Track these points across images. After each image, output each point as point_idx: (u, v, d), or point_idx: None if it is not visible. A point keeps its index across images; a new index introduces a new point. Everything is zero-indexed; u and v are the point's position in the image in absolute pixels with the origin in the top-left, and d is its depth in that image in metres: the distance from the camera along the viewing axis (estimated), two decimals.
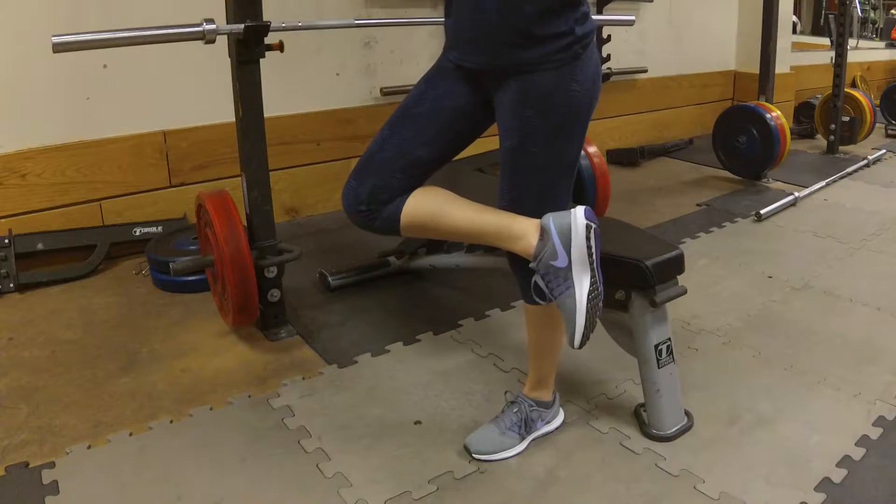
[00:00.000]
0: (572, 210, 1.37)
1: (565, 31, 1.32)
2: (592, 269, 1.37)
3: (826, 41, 6.75)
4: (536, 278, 1.39)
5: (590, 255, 1.37)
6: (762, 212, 3.22)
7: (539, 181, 1.41)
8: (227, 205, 1.95)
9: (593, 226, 1.37)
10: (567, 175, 1.45)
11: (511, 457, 1.56)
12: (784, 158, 3.72)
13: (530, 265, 1.39)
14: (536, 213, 1.41)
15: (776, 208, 3.31)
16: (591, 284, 1.37)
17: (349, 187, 1.50)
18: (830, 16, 6.74)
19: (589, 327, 1.37)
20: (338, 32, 3.14)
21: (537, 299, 1.43)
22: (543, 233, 1.37)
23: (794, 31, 7.19)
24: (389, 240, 2.68)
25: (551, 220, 1.37)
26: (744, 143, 3.75)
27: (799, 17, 7.57)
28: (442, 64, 1.49)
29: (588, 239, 1.36)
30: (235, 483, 1.49)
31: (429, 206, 1.45)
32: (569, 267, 1.36)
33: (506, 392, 1.68)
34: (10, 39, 2.42)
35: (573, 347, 1.38)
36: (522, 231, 1.39)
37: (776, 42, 4.01)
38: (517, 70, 1.34)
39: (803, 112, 5.17)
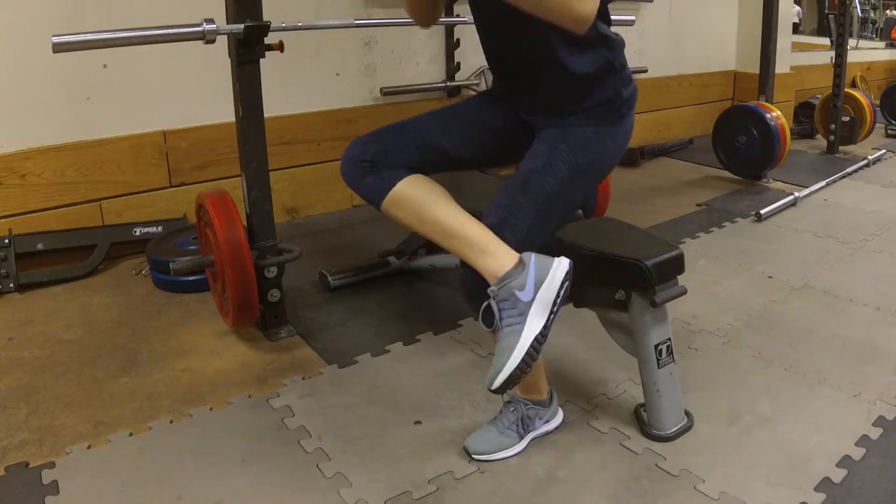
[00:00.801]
0: (557, 259, 1.36)
1: (612, 97, 1.44)
2: (548, 320, 1.34)
3: (826, 41, 6.76)
4: (491, 302, 1.34)
5: (554, 304, 1.34)
6: (762, 212, 3.22)
7: (539, 209, 1.40)
8: (227, 205, 1.95)
9: (568, 282, 1.36)
10: (563, 214, 1.47)
11: (511, 456, 1.56)
12: (784, 158, 3.72)
13: (490, 289, 1.34)
14: (524, 238, 1.40)
15: (776, 208, 3.31)
16: (542, 332, 1.33)
17: (360, 140, 1.48)
18: (830, 16, 6.74)
19: (517, 373, 1.30)
20: (338, 32, 3.14)
21: (483, 325, 1.38)
22: (521, 264, 1.34)
23: (797, 31, 7.20)
24: (389, 240, 2.68)
25: (533, 257, 1.35)
26: (744, 143, 3.75)
27: (800, 18, 7.57)
28: (497, 94, 1.57)
29: (560, 289, 1.34)
30: (235, 483, 1.49)
31: (425, 191, 1.43)
32: (530, 303, 1.32)
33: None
34: (11, 39, 2.42)
35: (488, 388, 1.32)
36: (501, 253, 1.35)
37: (776, 42, 4.01)
38: (566, 124, 1.45)
39: (803, 112, 5.17)
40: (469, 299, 1.45)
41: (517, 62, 1.46)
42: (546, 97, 1.47)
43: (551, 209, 1.42)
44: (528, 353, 1.31)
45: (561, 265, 1.36)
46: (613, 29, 1.47)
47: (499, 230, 1.39)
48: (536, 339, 1.32)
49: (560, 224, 1.49)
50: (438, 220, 1.40)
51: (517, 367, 1.31)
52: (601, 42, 1.42)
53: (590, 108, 1.44)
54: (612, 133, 1.46)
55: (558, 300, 1.35)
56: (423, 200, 1.42)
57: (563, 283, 1.35)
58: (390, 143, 1.46)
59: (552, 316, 1.34)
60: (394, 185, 1.42)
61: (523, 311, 1.32)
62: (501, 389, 1.32)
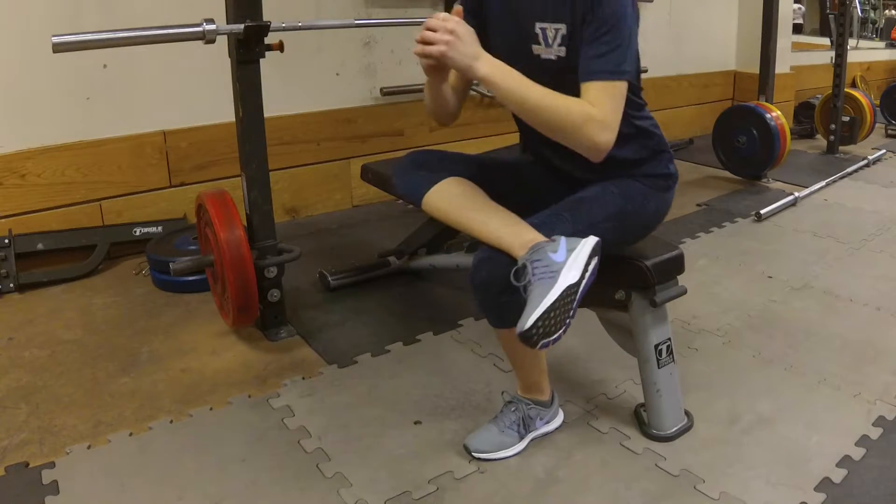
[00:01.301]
0: (587, 237, 1.37)
1: (660, 172, 1.54)
2: (581, 277, 1.30)
3: (826, 41, 6.76)
4: (525, 261, 1.31)
5: (585, 269, 1.31)
6: (762, 212, 3.22)
7: (580, 229, 1.40)
8: (227, 205, 1.95)
9: (597, 256, 1.35)
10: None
11: (511, 456, 1.56)
12: (784, 158, 3.72)
13: (522, 256, 1.32)
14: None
15: (776, 208, 3.31)
16: (576, 283, 1.29)
17: (421, 150, 1.60)
18: (831, 16, 6.74)
19: (551, 316, 1.25)
20: (338, 32, 3.14)
21: (515, 282, 1.32)
22: (552, 240, 1.35)
23: (800, 31, 7.20)
24: (389, 240, 2.68)
25: (563, 236, 1.35)
26: (744, 143, 3.75)
27: (802, 18, 7.57)
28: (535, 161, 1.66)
29: (590, 257, 1.33)
30: (235, 483, 1.49)
31: (468, 187, 1.48)
32: (563, 263, 1.30)
33: (503, 392, 1.68)
34: (11, 39, 2.42)
35: (519, 331, 1.26)
36: (531, 232, 1.35)
37: (776, 42, 4.01)
38: (616, 178, 1.51)
39: (803, 112, 5.17)
40: (483, 284, 1.38)
41: (564, 153, 1.44)
42: (588, 173, 1.51)
43: (588, 235, 1.40)
44: (561, 296, 1.26)
45: (589, 238, 1.35)
46: None
47: (537, 229, 1.38)
48: (570, 288, 1.28)
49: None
50: (474, 208, 1.43)
51: (550, 308, 1.25)
52: (641, 134, 1.50)
53: (640, 176, 1.52)
54: (656, 197, 1.53)
55: (588, 268, 1.32)
56: (461, 195, 1.46)
57: (591, 255, 1.33)
58: (449, 158, 1.56)
59: (583, 281, 1.31)
60: (441, 180, 1.47)
61: (555, 271, 1.29)
62: (531, 333, 1.25)
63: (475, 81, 1.38)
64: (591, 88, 1.28)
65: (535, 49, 1.38)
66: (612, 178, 1.50)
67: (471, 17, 1.38)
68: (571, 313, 1.31)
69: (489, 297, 1.39)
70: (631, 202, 1.48)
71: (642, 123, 1.50)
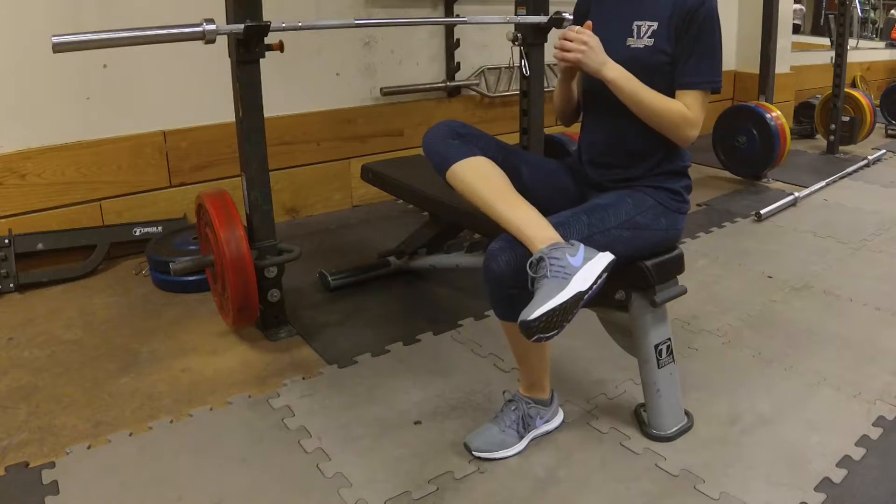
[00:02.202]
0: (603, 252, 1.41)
1: (679, 189, 1.62)
2: (590, 289, 1.34)
3: (826, 41, 6.76)
4: (543, 254, 1.34)
5: (595, 281, 1.35)
6: (762, 212, 3.22)
7: (594, 233, 1.46)
8: (227, 205, 1.95)
9: (608, 273, 1.38)
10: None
11: (511, 455, 1.56)
12: (784, 158, 3.72)
13: (540, 249, 1.34)
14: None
15: (776, 208, 3.31)
16: (584, 292, 1.33)
17: (460, 122, 1.62)
18: (830, 16, 6.74)
19: (556, 313, 1.29)
20: (338, 32, 3.14)
21: (530, 272, 1.35)
22: (571, 243, 1.38)
23: (800, 31, 7.19)
24: (389, 240, 2.68)
25: (583, 244, 1.39)
26: (744, 143, 3.75)
27: (802, 19, 7.57)
28: (572, 165, 1.74)
29: (602, 272, 1.36)
30: (235, 483, 1.49)
31: (498, 171, 1.52)
32: (578, 268, 1.34)
33: (503, 392, 1.68)
34: (11, 40, 2.43)
35: (522, 319, 1.28)
36: (551, 230, 1.40)
37: (776, 42, 4.01)
38: (634, 187, 1.60)
39: (803, 112, 5.17)
40: (496, 273, 1.39)
41: (612, 134, 1.62)
42: (620, 173, 1.61)
43: (601, 240, 1.46)
44: (571, 299, 1.31)
45: (606, 254, 1.40)
46: None
47: (554, 228, 1.42)
48: (579, 294, 1.32)
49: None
50: (503, 192, 1.47)
51: (559, 306, 1.29)
52: (678, 150, 1.63)
53: (658, 188, 1.59)
54: (668, 215, 1.58)
55: (598, 280, 1.36)
56: (493, 176, 1.50)
57: (606, 266, 1.37)
58: (486, 139, 1.60)
59: (589, 292, 1.35)
60: (474, 154, 1.52)
61: (570, 273, 1.33)
62: (534, 325, 1.28)
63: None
64: (689, 95, 1.52)
65: (629, 41, 1.56)
66: (633, 188, 1.59)
67: (580, 19, 1.67)
68: (570, 318, 1.34)
69: (501, 289, 1.41)
70: (642, 214, 1.54)
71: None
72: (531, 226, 1.40)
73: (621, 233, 1.50)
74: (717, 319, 2.23)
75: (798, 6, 7.58)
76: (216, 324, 2.17)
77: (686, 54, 1.52)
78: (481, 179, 1.49)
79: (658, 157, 1.60)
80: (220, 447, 1.60)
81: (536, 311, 1.28)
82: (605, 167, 1.64)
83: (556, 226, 1.42)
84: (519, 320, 1.30)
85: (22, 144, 2.51)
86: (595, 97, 1.63)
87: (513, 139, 2.34)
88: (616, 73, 1.50)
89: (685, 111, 1.52)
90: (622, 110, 1.54)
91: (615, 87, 1.51)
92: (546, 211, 1.47)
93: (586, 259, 1.36)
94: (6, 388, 1.84)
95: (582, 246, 1.38)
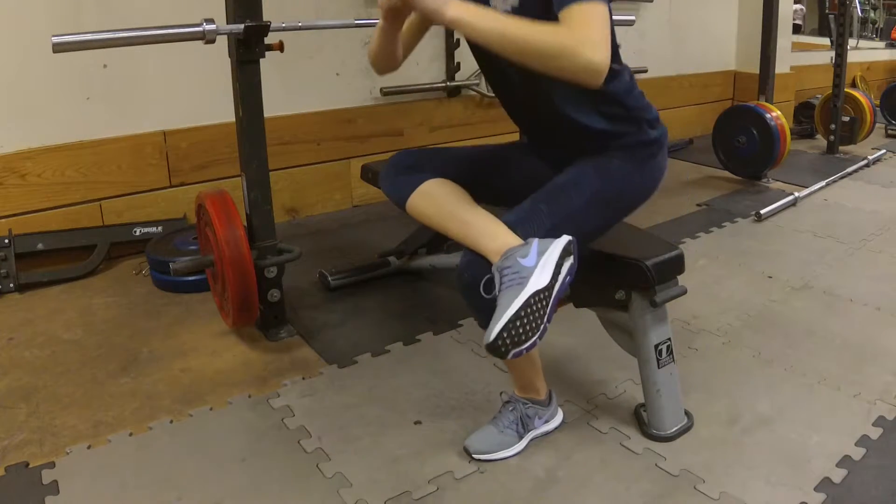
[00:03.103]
0: (560, 237, 1.36)
1: (641, 139, 1.47)
2: (552, 282, 1.29)
3: (826, 41, 6.76)
4: (494, 270, 1.31)
5: (556, 272, 1.30)
6: (762, 212, 3.22)
7: (556, 223, 1.39)
8: (227, 205, 1.95)
9: (571, 256, 1.34)
10: (579, 237, 1.42)
11: (510, 456, 1.56)
12: (784, 158, 3.72)
13: (495, 264, 1.32)
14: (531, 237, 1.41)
15: (776, 208, 3.31)
16: (545, 288, 1.27)
17: (408, 150, 1.60)
18: (830, 16, 6.74)
19: (517, 325, 1.23)
20: (338, 32, 3.14)
21: (484, 294, 1.34)
22: (525, 243, 1.34)
23: (800, 32, 7.19)
24: (389, 240, 2.68)
25: (536, 239, 1.34)
26: (744, 143, 3.75)
27: (802, 19, 7.57)
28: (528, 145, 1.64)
29: (562, 258, 1.31)
30: (235, 483, 1.49)
31: (449, 189, 1.48)
32: (532, 268, 1.28)
33: (501, 392, 1.68)
34: (11, 39, 2.43)
35: (485, 344, 1.25)
36: (506, 236, 1.35)
37: (776, 42, 4.01)
38: (598, 157, 1.48)
39: (803, 112, 5.17)
40: (469, 287, 1.37)
41: (538, 123, 1.55)
42: (572, 149, 1.50)
43: (567, 227, 1.39)
44: (527, 303, 1.24)
45: (560, 238, 1.34)
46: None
47: (513, 228, 1.38)
48: (538, 294, 1.25)
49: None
50: (454, 211, 1.43)
51: (514, 317, 1.22)
52: (612, 99, 1.43)
53: (618, 149, 1.47)
54: (643, 172, 1.49)
55: (560, 269, 1.30)
56: (444, 197, 1.46)
57: (563, 254, 1.32)
58: (434, 158, 1.54)
59: (556, 283, 1.29)
60: (423, 182, 1.47)
61: (524, 277, 1.27)
62: (497, 345, 1.23)
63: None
64: (572, 12, 1.19)
65: (493, 2, 1.36)
66: (594, 154, 1.47)
67: None
68: (546, 318, 1.28)
69: (475, 299, 1.37)
70: (609, 183, 1.44)
71: (614, 88, 1.41)
72: (485, 240, 1.35)
73: (589, 211, 1.42)
74: (717, 319, 2.23)
75: (798, 6, 7.58)
76: (216, 324, 2.17)
77: None
78: (434, 204, 1.46)
79: (611, 120, 1.44)
80: (219, 447, 1.60)
81: (495, 328, 1.22)
82: (554, 148, 1.54)
83: (515, 225, 1.37)
84: (483, 344, 1.26)
85: (22, 144, 2.51)
86: (499, 77, 1.48)
87: (512, 139, 2.34)
88: (460, 10, 1.19)
89: (576, 31, 1.17)
90: (540, 88, 1.37)
91: (465, 28, 1.21)
92: (521, 198, 1.46)
93: (540, 253, 1.30)
94: (6, 388, 1.84)
95: (535, 241, 1.31)
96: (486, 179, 1.58)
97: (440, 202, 1.46)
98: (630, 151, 1.47)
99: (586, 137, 1.46)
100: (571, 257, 1.35)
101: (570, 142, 1.50)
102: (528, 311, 1.25)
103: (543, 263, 1.29)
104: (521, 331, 1.24)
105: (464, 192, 1.48)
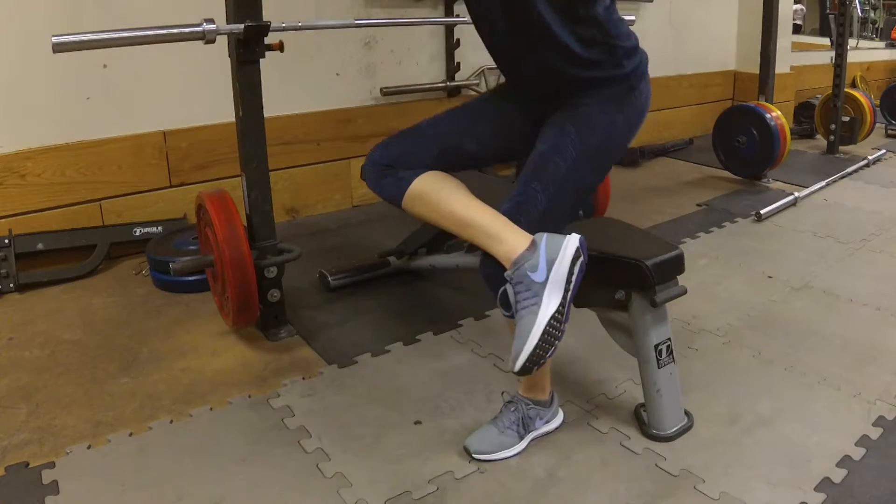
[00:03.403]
0: (568, 235, 1.37)
1: (616, 74, 1.44)
2: (565, 297, 1.34)
3: (826, 41, 6.76)
4: (507, 287, 1.38)
5: (568, 280, 1.35)
6: (762, 212, 3.22)
7: (552, 194, 1.42)
8: (227, 205, 1.95)
9: (581, 257, 1.37)
10: (578, 198, 1.46)
11: (511, 456, 1.56)
12: (784, 158, 3.72)
13: (506, 273, 1.37)
14: (537, 224, 1.42)
15: (776, 208, 3.30)
16: (558, 310, 1.33)
17: (383, 143, 1.53)
18: (831, 16, 6.74)
19: (537, 353, 1.31)
20: (338, 32, 3.14)
21: (503, 311, 1.42)
22: (533, 244, 1.37)
23: (800, 32, 7.18)
24: (389, 240, 2.68)
25: (545, 237, 1.37)
26: (744, 143, 3.75)
27: (802, 19, 7.57)
28: (508, 89, 1.58)
29: (573, 265, 1.35)
30: (235, 483, 1.49)
31: (441, 185, 1.47)
32: (544, 283, 1.33)
33: (502, 392, 1.68)
34: (11, 39, 2.42)
35: (512, 370, 1.33)
36: (513, 237, 1.38)
37: (776, 42, 4.00)
38: (574, 104, 1.45)
39: (803, 112, 5.17)
40: (489, 284, 1.46)
41: (516, 52, 1.47)
42: (548, 87, 1.48)
43: (565, 192, 1.42)
44: (545, 331, 1.31)
45: (570, 242, 1.36)
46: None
47: (514, 216, 1.42)
48: (553, 318, 1.32)
49: (578, 206, 1.49)
50: (453, 211, 1.44)
51: (536, 346, 1.31)
52: (591, 21, 1.40)
53: (595, 89, 1.44)
54: (623, 109, 1.46)
55: (572, 277, 1.35)
56: (438, 194, 1.46)
57: (574, 260, 1.35)
58: (410, 147, 1.52)
59: (568, 294, 1.35)
60: (411, 182, 1.47)
61: (538, 293, 1.33)
62: (524, 371, 1.33)
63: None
64: None
65: None
66: (571, 101, 1.45)
67: None
68: (560, 333, 1.34)
69: (498, 287, 1.42)
70: (592, 134, 1.43)
71: (597, 10, 1.40)
72: (492, 243, 1.39)
73: (581, 170, 1.42)
74: (717, 319, 2.23)
75: (798, 6, 7.58)
76: (216, 324, 2.17)
77: None
78: (426, 207, 1.48)
79: (587, 45, 1.40)
80: (219, 447, 1.60)
81: (519, 361, 1.31)
82: (532, 87, 1.51)
83: (514, 213, 1.40)
84: (512, 371, 1.33)
85: (22, 144, 2.51)
86: (487, 24, 1.46)
87: None
88: None
89: None
90: (529, 34, 1.36)
91: None
92: (508, 157, 1.49)
93: (549, 262, 1.33)
94: (6, 388, 1.84)
95: (542, 245, 1.34)
96: (468, 154, 1.55)
97: (434, 202, 1.46)
98: (606, 91, 1.44)
99: (564, 63, 1.41)
100: (583, 258, 1.37)
101: (547, 76, 1.45)
102: (547, 335, 1.31)
103: (554, 277, 1.33)
104: (541, 352, 1.32)
105: (454, 183, 1.47)
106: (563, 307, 1.34)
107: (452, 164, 1.53)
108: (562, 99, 1.48)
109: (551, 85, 1.48)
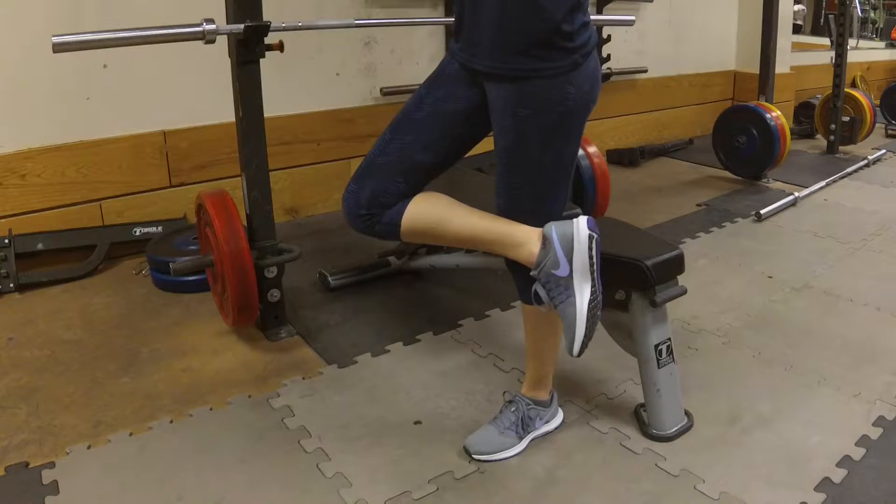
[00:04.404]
0: (575, 220, 1.38)
1: (566, 46, 1.33)
2: (593, 279, 1.39)
3: (826, 41, 6.75)
4: (537, 286, 1.40)
5: (591, 264, 1.38)
6: (762, 212, 3.22)
7: (536, 181, 1.41)
8: (227, 205, 1.95)
9: (595, 236, 1.39)
10: (564, 175, 1.45)
11: (511, 457, 1.56)
12: (784, 158, 3.72)
13: (531, 273, 1.40)
14: (534, 213, 1.42)
15: (776, 208, 3.30)
16: (592, 293, 1.38)
17: (349, 192, 1.47)
18: (830, 16, 6.74)
19: (588, 335, 1.39)
20: (338, 32, 3.14)
21: (538, 305, 1.44)
22: (545, 241, 1.38)
23: (801, 32, 7.18)
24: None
25: (553, 228, 1.38)
26: (744, 143, 3.75)
27: (802, 20, 7.57)
28: (444, 67, 1.49)
29: (590, 248, 1.37)
30: (235, 483, 1.49)
31: (431, 212, 1.45)
32: (570, 276, 1.37)
33: (504, 392, 1.68)
34: (11, 39, 2.42)
35: (572, 355, 1.39)
36: (524, 239, 1.40)
37: (776, 42, 4.01)
38: (516, 76, 1.35)
39: (803, 112, 5.17)
40: (520, 285, 1.52)
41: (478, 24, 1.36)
42: (502, 36, 1.34)
43: (548, 174, 1.41)
44: (589, 317, 1.38)
45: (580, 227, 1.38)
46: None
47: (510, 212, 1.43)
48: (591, 302, 1.38)
49: (568, 178, 1.47)
50: (456, 233, 1.45)
51: (586, 332, 1.38)
52: None
53: (543, 56, 1.33)
54: (570, 80, 1.35)
55: (593, 260, 1.38)
56: (433, 223, 1.45)
57: (590, 242, 1.38)
58: (378, 182, 1.44)
59: (595, 276, 1.39)
60: (400, 223, 1.44)
61: (568, 286, 1.37)
62: (581, 352, 1.40)
63: None
64: None
65: None
66: (515, 75, 1.34)
67: None
68: (600, 309, 1.42)
69: (523, 277, 1.46)
70: (548, 111, 1.35)
71: None
72: (508, 251, 1.42)
73: (552, 148, 1.37)
74: (717, 319, 2.23)
75: (799, 6, 7.57)
76: (216, 324, 2.17)
77: None
78: (428, 237, 1.50)
79: (558, 19, 1.30)
80: (219, 447, 1.60)
81: (575, 346, 1.39)
82: (480, 73, 1.39)
83: (509, 211, 1.43)
84: (570, 354, 1.40)
85: (22, 144, 2.51)
86: None
87: None
88: None
89: None
90: None
91: None
92: (471, 146, 1.49)
93: (567, 255, 1.37)
94: (6, 388, 1.84)
95: (555, 240, 1.37)
96: (429, 165, 1.48)
97: (431, 233, 1.46)
98: (557, 70, 1.34)
99: (525, 11, 1.31)
100: (596, 234, 1.40)
101: (505, 37, 1.34)
102: (591, 318, 1.39)
103: (577, 266, 1.37)
104: (591, 332, 1.40)
105: (440, 204, 1.45)
106: (595, 288, 1.39)
107: (422, 180, 1.48)
108: (508, 72, 1.35)
109: (504, 43, 1.35)
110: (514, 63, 1.34)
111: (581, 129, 1.43)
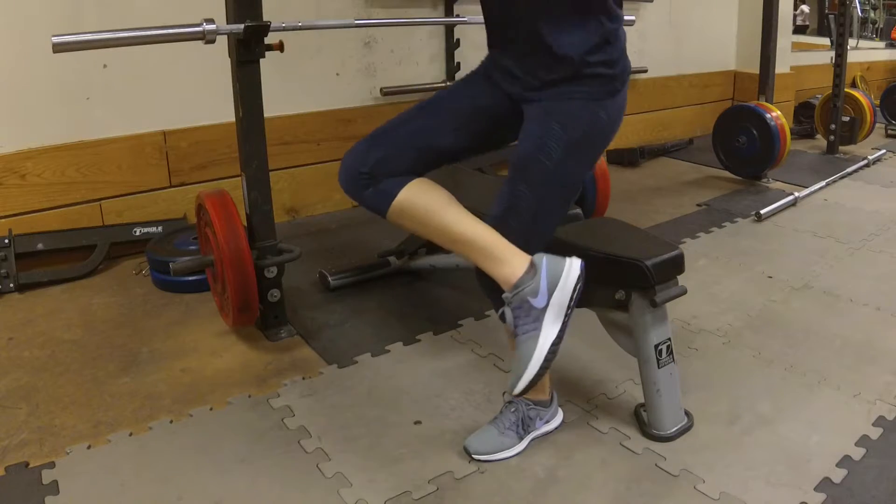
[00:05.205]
0: (569, 259, 1.37)
1: (606, 73, 1.38)
2: (564, 322, 1.36)
3: (826, 41, 6.76)
4: (506, 310, 1.38)
5: (568, 306, 1.35)
6: (762, 212, 3.22)
7: (541, 194, 1.40)
8: (227, 205, 1.95)
9: (580, 285, 1.37)
10: (568, 196, 1.45)
11: (510, 457, 1.56)
12: (784, 158, 3.72)
13: (504, 294, 1.37)
14: (530, 226, 1.41)
15: (776, 208, 3.31)
16: (557, 336, 1.35)
17: (357, 149, 1.46)
18: (830, 16, 6.74)
19: (537, 378, 1.35)
20: (338, 32, 3.14)
21: (501, 320, 1.43)
22: (532, 268, 1.36)
23: (804, 32, 7.18)
24: (389, 240, 2.68)
25: (545, 259, 1.36)
26: (744, 143, 3.75)
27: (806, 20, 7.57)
28: (486, 68, 1.52)
29: (573, 292, 1.35)
30: (235, 483, 1.49)
31: (428, 198, 1.41)
32: (544, 309, 1.34)
33: (503, 393, 1.68)
34: (11, 39, 2.42)
35: (511, 393, 1.37)
36: (509, 257, 1.36)
37: (776, 42, 4.01)
38: (552, 96, 1.40)
39: (803, 112, 5.17)
40: (487, 294, 1.48)
41: (515, 26, 1.41)
42: (536, 64, 1.40)
43: (554, 191, 1.40)
44: (546, 359, 1.34)
45: (573, 267, 1.36)
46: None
47: (504, 220, 1.40)
48: (553, 344, 1.34)
49: (567, 205, 1.47)
50: (445, 227, 1.40)
51: (537, 374, 1.34)
52: (590, 19, 1.36)
53: (582, 82, 1.37)
54: (604, 106, 1.40)
55: (572, 303, 1.36)
56: (426, 209, 1.41)
57: (575, 286, 1.36)
58: (387, 151, 1.43)
59: (566, 319, 1.36)
60: (395, 195, 1.40)
61: (538, 318, 1.34)
62: (523, 394, 1.37)
63: None
64: None
65: None
66: (552, 93, 1.39)
67: None
68: (556, 354, 1.37)
69: (495, 300, 1.43)
70: (575, 129, 1.38)
71: (608, 27, 1.38)
72: (490, 265, 1.37)
73: (566, 165, 1.38)
74: (717, 319, 2.23)
75: (805, 7, 7.58)
76: (216, 324, 2.17)
77: None
78: (415, 223, 1.43)
79: (592, 44, 1.35)
80: (219, 447, 1.60)
81: (519, 385, 1.34)
82: (521, 77, 1.42)
83: (503, 218, 1.39)
84: (510, 392, 1.37)
85: (22, 144, 2.51)
86: None
87: None
88: None
89: None
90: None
91: None
92: (487, 147, 1.46)
93: (550, 289, 1.33)
94: (6, 388, 1.84)
95: (543, 271, 1.34)
96: (445, 149, 1.49)
97: (422, 217, 1.41)
98: (593, 86, 1.38)
99: (550, 59, 1.37)
100: (581, 283, 1.37)
101: (538, 53, 1.38)
102: (547, 361, 1.35)
103: (554, 303, 1.34)
104: (540, 375, 1.35)
105: (441, 195, 1.42)
106: (562, 332, 1.36)
107: (431, 163, 1.48)
108: (542, 89, 1.40)
109: (532, 59, 1.40)
110: (549, 92, 1.39)
111: (596, 157, 1.46)
